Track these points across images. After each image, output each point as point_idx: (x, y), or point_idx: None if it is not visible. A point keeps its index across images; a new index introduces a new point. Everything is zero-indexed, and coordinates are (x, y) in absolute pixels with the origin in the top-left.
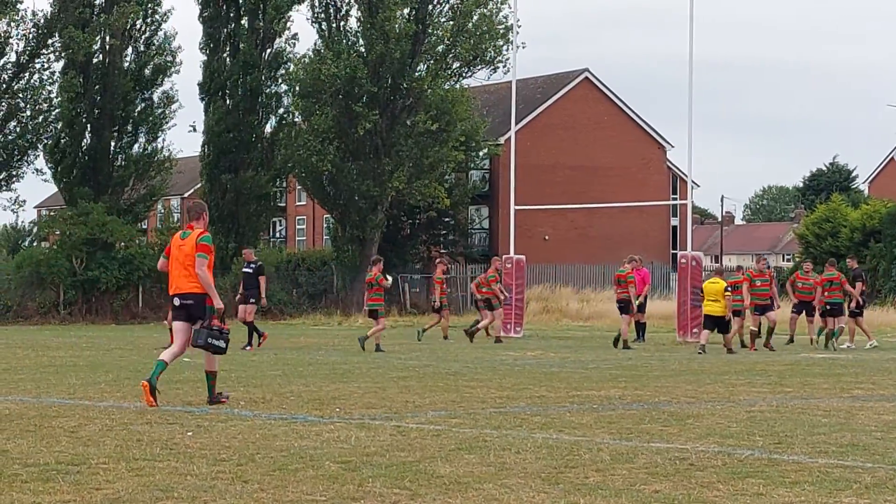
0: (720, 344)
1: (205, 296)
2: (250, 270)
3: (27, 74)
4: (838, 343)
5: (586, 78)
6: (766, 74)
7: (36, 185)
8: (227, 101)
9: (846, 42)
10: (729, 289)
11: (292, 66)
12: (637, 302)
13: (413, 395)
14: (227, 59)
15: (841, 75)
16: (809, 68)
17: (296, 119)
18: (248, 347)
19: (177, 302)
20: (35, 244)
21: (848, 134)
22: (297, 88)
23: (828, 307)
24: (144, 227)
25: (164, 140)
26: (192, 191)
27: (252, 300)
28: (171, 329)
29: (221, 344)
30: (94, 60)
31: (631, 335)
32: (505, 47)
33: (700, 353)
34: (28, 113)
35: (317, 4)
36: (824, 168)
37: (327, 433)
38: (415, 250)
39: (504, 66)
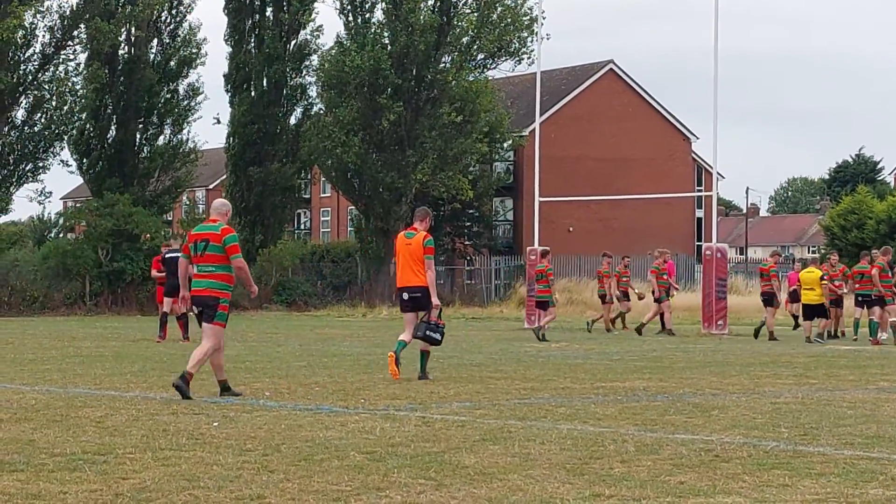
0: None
1: (428, 289)
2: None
3: (52, 66)
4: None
5: (611, 69)
6: (792, 66)
7: (62, 177)
8: (253, 93)
9: (872, 33)
10: (825, 276)
11: (316, 59)
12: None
13: (438, 386)
14: (253, 51)
15: (867, 66)
16: (835, 59)
17: (320, 111)
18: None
19: (405, 295)
20: (61, 235)
21: (874, 126)
22: (322, 80)
23: (860, 298)
24: (169, 218)
25: (189, 132)
26: (217, 182)
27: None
28: (194, 317)
29: (437, 336)
30: (120, 52)
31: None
32: (529, 39)
33: (817, 342)
34: (53, 104)
35: None
36: (850, 160)
37: (352, 424)
38: (439, 242)
39: (528, 58)
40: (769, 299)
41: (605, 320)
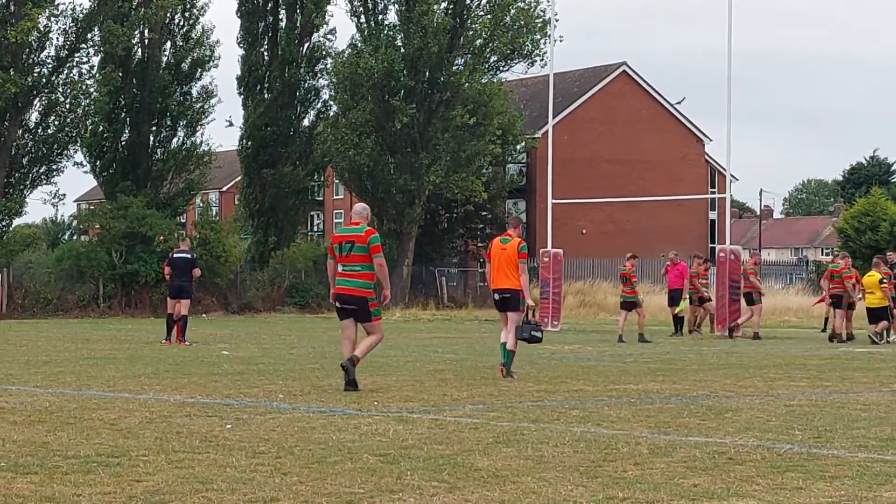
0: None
1: (518, 291)
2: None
3: (66, 69)
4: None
5: (624, 71)
6: (806, 67)
7: (76, 179)
8: (266, 96)
9: (888, 34)
10: (885, 280)
11: (330, 61)
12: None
13: (451, 389)
14: (265, 54)
15: (882, 68)
16: (849, 61)
17: (334, 112)
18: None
19: (497, 297)
20: (75, 238)
21: (888, 127)
22: (335, 82)
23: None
24: (183, 220)
25: (202, 134)
26: (230, 185)
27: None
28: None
29: (539, 335)
30: (133, 54)
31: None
32: (542, 41)
33: (874, 340)
34: (67, 107)
35: None
36: (864, 162)
37: (365, 426)
38: (452, 244)
39: (541, 60)
40: (837, 301)
41: (689, 322)
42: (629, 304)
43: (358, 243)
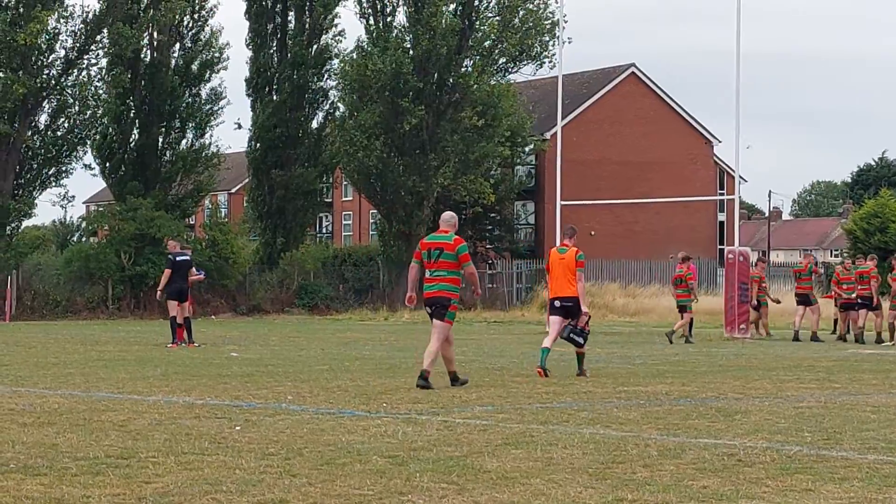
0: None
1: (578, 299)
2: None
3: (75, 70)
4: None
5: (633, 73)
6: (814, 67)
7: (85, 181)
8: (275, 97)
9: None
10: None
11: (337, 62)
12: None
13: (459, 391)
14: (274, 56)
15: (891, 69)
16: (857, 61)
17: (340, 113)
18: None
19: (557, 303)
20: (84, 239)
21: None
22: (344, 84)
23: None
24: (192, 222)
25: (211, 136)
26: (239, 186)
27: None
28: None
29: (580, 340)
30: (142, 56)
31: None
32: (551, 42)
33: None
34: (76, 109)
35: (364, 0)
36: (873, 163)
37: (374, 428)
38: None
39: (550, 62)
40: (868, 303)
41: (757, 324)
42: (682, 307)
43: (446, 250)
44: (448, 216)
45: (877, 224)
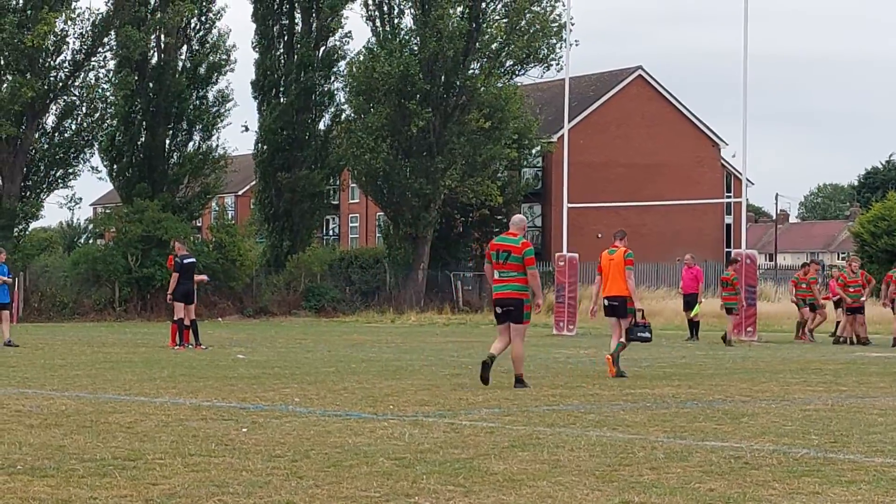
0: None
1: (626, 298)
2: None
3: (83, 73)
4: None
5: (640, 75)
6: (822, 69)
7: (92, 183)
8: (281, 99)
9: None
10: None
11: (344, 64)
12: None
13: (466, 393)
14: (281, 58)
15: None
16: (865, 63)
17: (349, 116)
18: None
19: (606, 302)
20: (91, 241)
21: None
22: (351, 86)
23: None
24: (199, 224)
25: (218, 138)
26: (246, 188)
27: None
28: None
29: (647, 335)
30: (150, 59)
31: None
32: (558, 45)
33: None
34: (84, 111)
35: (370, 3)
36: (880, 166)
37: (381, 430)
38: (467, 248)
39: (557, 64)
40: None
41: (826, 328)
42: (728, 309)
43: (514, 253)
44: (517, 219)
45: (884, 227)
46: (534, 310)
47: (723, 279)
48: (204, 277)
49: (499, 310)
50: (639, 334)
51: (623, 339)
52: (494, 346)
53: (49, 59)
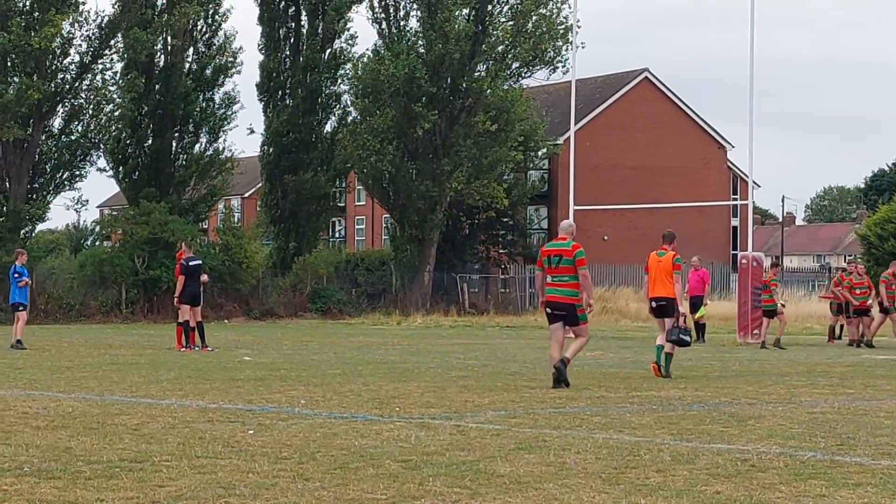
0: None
1: (673, 299)
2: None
3: (89, 75)
4: None
5: (646, 77)
6: (829, 72)
7: (98, 185)
8: (287, 102)
9: None
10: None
11: (350, 66)
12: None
13: (472, 395)
14: (287, 60)
15: None
16: (871, 65)
17: (355, 119)
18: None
19: (653, 304)
20: (97, 243)
21: None
22: (357, 88)
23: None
24: (205, 226)
25: (224, 140)
26: (252, 191)
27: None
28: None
29: (687, 339)
30: (156, 61)
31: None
32: (564, 47)
33: None
34: (90, 113)
35: (376, 5)
36: (886, 168)
37: (387, 432)
38: (473, 250)
39: (563, 66)
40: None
41: (872, 331)
42: (769, 312)
43: (565, 257)
44: (566, 224)
45: (891, 229)
46: (587, 310)
47: (762, 282)
48: (204, 277)
49: (549, 311)
50: (680, 336)
51: (668, 349)
52: (553, 351)
53: (56, 62)
